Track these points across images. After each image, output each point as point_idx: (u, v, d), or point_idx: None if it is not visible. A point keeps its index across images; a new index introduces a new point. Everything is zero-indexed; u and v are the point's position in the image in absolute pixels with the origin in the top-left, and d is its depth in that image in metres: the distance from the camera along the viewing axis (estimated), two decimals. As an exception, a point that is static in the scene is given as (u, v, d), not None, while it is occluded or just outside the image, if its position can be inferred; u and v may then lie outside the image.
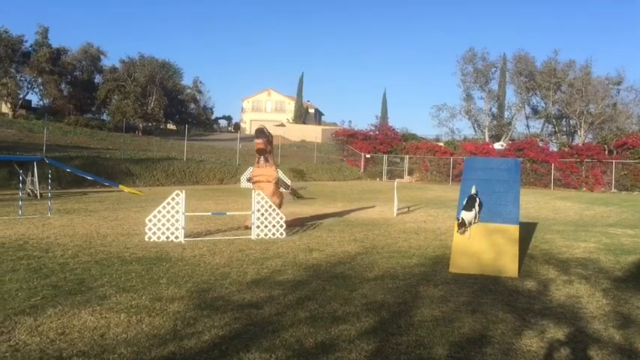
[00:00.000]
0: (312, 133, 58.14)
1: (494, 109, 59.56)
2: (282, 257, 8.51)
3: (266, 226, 10.45)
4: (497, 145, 45.55)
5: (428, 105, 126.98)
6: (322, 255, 8.86)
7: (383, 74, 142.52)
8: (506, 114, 59.15)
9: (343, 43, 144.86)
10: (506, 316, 5.66)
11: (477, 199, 8.13)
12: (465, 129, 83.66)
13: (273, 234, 10.47)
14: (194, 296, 6.01)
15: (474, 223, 8.04)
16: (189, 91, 65.13)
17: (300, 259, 8.40)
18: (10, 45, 43.76)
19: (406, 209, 17.41)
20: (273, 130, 61.69)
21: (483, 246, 7.97)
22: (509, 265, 7.69)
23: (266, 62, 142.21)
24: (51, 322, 4.90)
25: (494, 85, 58.89)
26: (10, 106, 45.76)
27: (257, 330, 4.93)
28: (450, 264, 8.01)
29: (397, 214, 15.58)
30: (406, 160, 45.22)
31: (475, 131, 60.38)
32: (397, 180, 21.21)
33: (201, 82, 68.25)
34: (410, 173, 44.61)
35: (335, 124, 78.90)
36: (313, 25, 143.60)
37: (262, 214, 10.44)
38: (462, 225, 7.95)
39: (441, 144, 51.01)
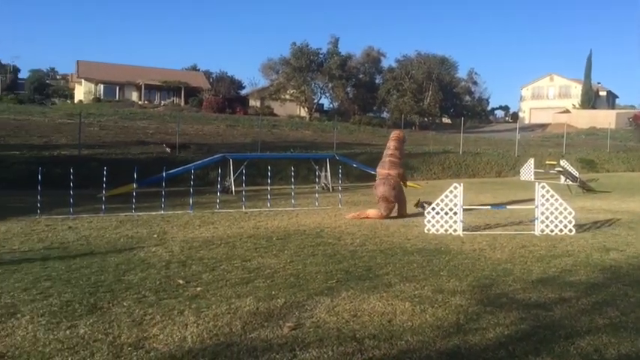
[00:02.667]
0: (603, 119, 51.73)
1: None
2: (573, 256, 7.74)
3: (552, 222, 9.66)
4: None
5: None
6: (622, 256, 7.76)
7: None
8: None
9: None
10: None
11: None
12: None
13: (561, 230, 9.60)
14: (476, 291, 5.89)
15: None
16: (463, 83, 64.58)
17: (594, 259, 7.51)
18: (309, 57, 50.06)
19: None
20: (554, 118, 56.48)
21: None
22: None
23: (547, 45, 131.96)
24: (345, 304, 5.38)
25: None
26: (306, 110, 52.33)
27: (547, 333, 4.56)
28: None
29: None
30: None
31: None
32: None
33: (476, 74, 66.96)
34: None
35: (633, 107, 68.61)
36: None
37: (547, 209, 9.67)
38: None
39: None
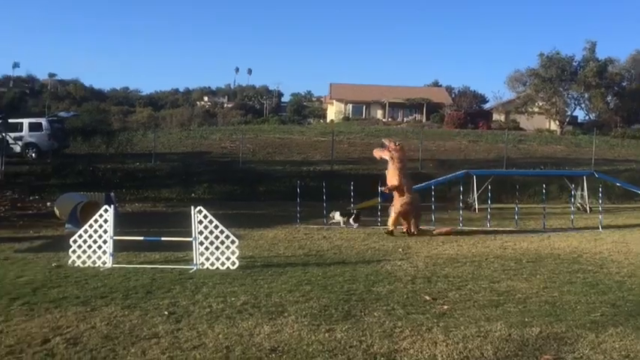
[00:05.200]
0: None
1: None
2: None
3: None
4: None
5: None
6: None
7: None
8: None
9: None
10: None
11: None
12: None
13: None
14: None
15: None
16: None
17: None
18: (561, 66, 46.21)
19: None
20: None
21: None
22: None
23: None
24: (613, 342, 4.74)
25: None
26: (557, 123, 48.22)
27: None
28: None
29: None
30: None
31: None
32: None
33: None
34: None
35: None
36: None
37: None
38: None
39: None
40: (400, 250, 9.58)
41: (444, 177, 17.89)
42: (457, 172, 18.01)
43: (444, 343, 4.69)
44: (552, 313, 5.63)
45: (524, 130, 45.63)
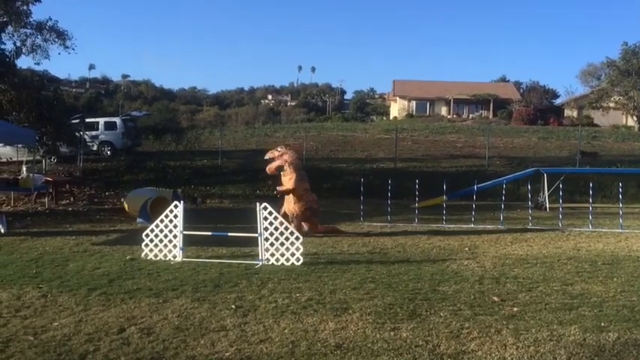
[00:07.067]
0: None
1: None
2: None
3: None
4: None
5: None
6: None
7: None
8: None
9: None
10: None
11: None
12: None
13: None
14: None
15: None
16: None
17: None
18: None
19: None
20: None
21: None
22: None
23: None
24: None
25: None
26: (635, 119, 45.57)
27: None
28: None
29: None
30: None
31: None
32: None
33: None
34: None
35: None
36: None
37: None
38: None
39: None
40: (467, 249, 9.37)
41: (513, 175, 17.35)
42: (527, 170, 17.42)
43: (514, 346, 4.54)
44: (631, 318, 5.33)
45: (598, 126, 43.46)
